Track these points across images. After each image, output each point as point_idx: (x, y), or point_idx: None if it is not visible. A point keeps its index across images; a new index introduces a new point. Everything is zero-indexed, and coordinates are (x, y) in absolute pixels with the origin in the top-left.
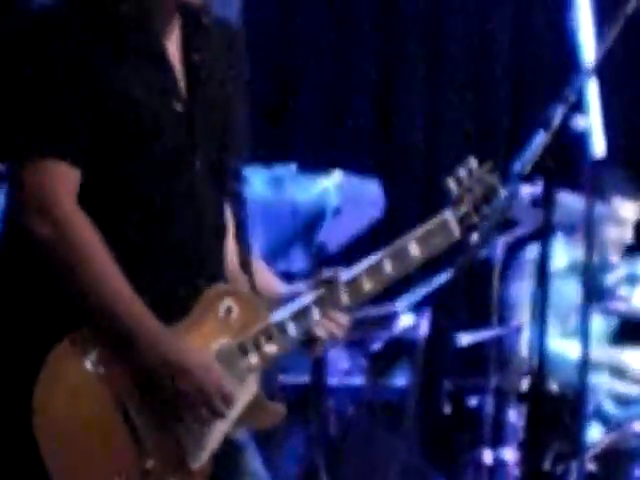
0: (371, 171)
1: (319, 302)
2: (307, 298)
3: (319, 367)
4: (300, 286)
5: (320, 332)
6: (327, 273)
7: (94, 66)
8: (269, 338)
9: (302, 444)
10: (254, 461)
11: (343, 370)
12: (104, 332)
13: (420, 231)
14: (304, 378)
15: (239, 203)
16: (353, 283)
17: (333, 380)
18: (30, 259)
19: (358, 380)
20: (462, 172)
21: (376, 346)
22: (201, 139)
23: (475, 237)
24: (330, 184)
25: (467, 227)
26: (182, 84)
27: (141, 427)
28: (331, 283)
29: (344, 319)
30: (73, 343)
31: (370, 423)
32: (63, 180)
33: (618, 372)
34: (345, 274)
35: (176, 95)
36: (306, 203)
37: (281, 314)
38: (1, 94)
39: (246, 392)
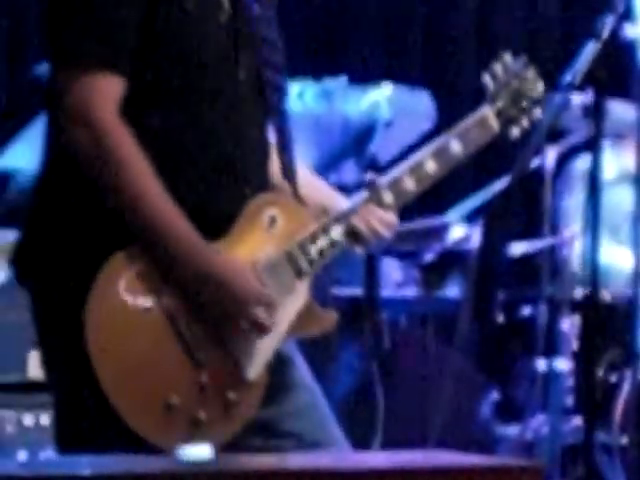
0: (422, 83)
1: (363, 204)
2: (350, 202)
3: (372, 279)
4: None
5: (365, 232)
6: (370, 176)
7: None
8: (316, 245)
9: (356, 356)
10: (302, 373)
11: (396, 282)
12: (145, 245)
13: (460, 128)
14: (357, 290)
15: (281, 115)
16: (396, 183)
17: (386, 292)
18: (79, 173)
19: (411, 292)
20: (498, 68)
21: (429, 258)
22: (244, 52)
23: (515, 131)
24: (381, 96)
25: (506, 121)
26: None
27: (192, 341)
28: (374, 185)
29: (390, 217)
30: (124, 259)
31: (423, 335)
32: (106, 92)
33: None
34: (388, 175)
35: (221, 7)
36: (357, 116)
37: (325, 219)
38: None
39: (296, 300)
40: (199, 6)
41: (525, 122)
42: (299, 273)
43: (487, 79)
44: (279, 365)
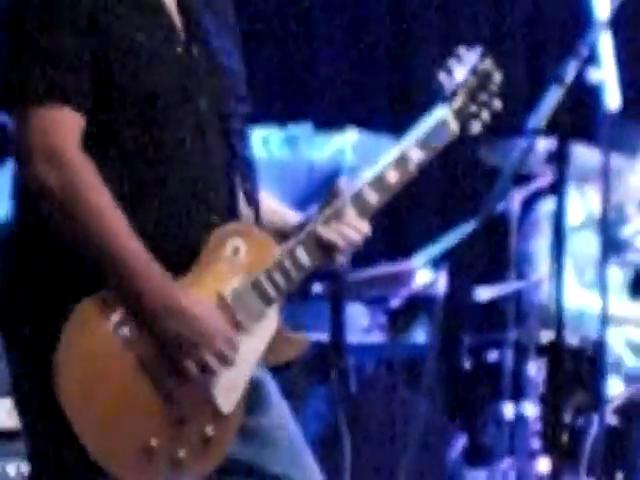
0: (388, 128)
1: (326, 222)
2: (314, 222)
3: (338, 325)
4: (312, 213)
5: (338, 240)
6: (330, 194)
7: (97, 11)
8: (282, 270)
9: (323, 402)
10: (276, 399)
11: (363, 327)
12: (112, 285)
13: (419, 134)
14: (323, 336)
15: (244, 142)
16: (358, 197)
17: (353, 338)
18: (45, 219)
19: (378, 337)
20: (453, 63)
21: (395, 303)
22: (204, 82)
23: (476, 126)
24: (346, 142)
25: (466, 118)
26: (180, 27)
27: (165, 381)
28: (337, 202)
29: (361, 223)
30: (93, 304)
31: (390, 380)
32: (67, 125)
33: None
34: (349, 190)
35: (176, 38)
36: (322, 162)
37: (290, 243)
38: (4, 40)
39: (267, 328)
40: (152, 38)
41: (485, 115)
42: (267, 300)
43: (443, 77)
44: (251, 391)
